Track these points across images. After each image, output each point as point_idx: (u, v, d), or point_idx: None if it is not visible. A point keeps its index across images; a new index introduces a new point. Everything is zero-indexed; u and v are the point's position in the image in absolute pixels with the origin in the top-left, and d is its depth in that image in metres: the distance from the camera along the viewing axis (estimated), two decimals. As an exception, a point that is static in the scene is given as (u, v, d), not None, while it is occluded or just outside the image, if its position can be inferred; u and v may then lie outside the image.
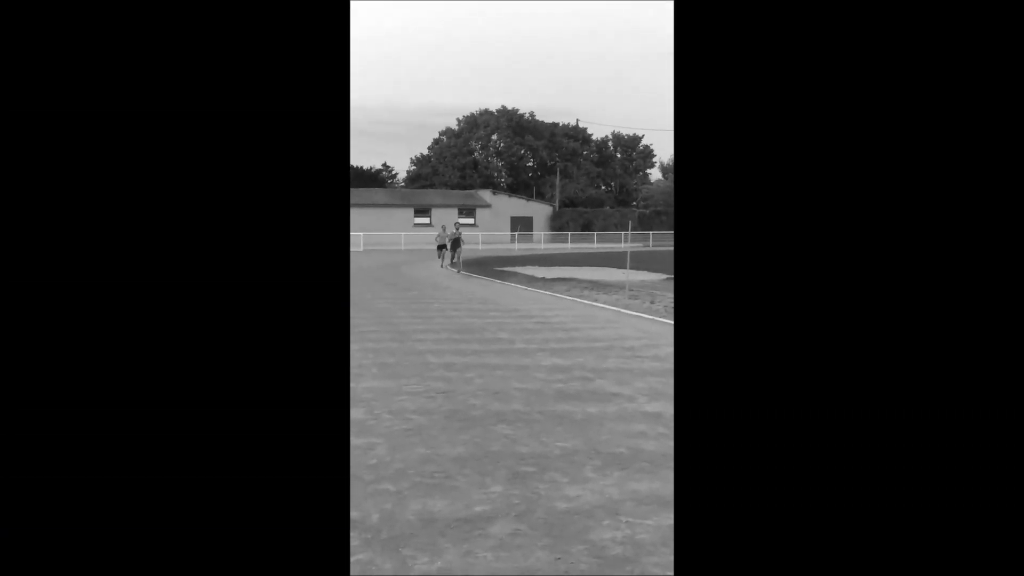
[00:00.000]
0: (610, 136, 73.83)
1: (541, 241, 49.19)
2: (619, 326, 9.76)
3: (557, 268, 23.38)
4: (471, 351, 7.70)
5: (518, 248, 42.34)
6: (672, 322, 9.18)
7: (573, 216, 54.53)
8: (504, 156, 66.76)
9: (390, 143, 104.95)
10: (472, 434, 4.63)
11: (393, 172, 66.78)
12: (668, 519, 3.26)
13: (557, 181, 60.27)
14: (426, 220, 47.31)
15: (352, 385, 5.93)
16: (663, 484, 3.71)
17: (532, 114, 66.38)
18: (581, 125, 67.60)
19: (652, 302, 12.39)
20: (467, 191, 55.57)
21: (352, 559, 2.90)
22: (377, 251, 35.35)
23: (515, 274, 20.10)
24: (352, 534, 3.12)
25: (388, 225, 45.18)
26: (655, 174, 72.48)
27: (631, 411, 5.23)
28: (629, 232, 19.43)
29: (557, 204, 57.30)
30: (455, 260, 20.52)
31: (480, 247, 37.53)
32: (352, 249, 34.23)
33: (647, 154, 74.80)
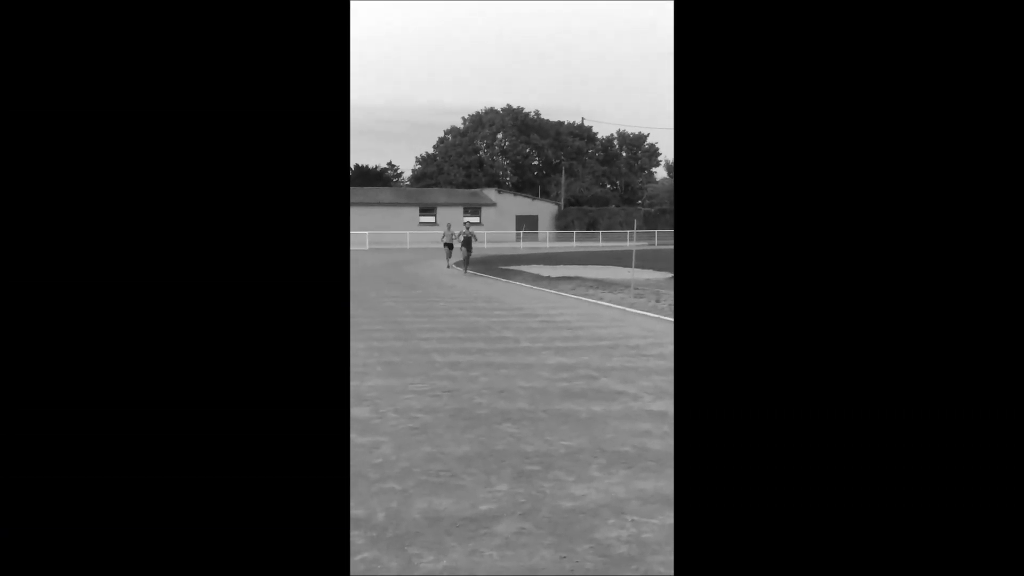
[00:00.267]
0: (615, 134, 73.73)
1: (546, 240, 49.17)
2: (624, 325, 9.75)
3: (562, 267, 23.37)
4: (476, 350, 7.70)
5: (523, 247, 42.36)
6: (677, 320, 9.15)
7: (578, 215, 54.47)
8: (509, 155, 66.69)
9: (395, 142, 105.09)
10: (477, 433, 4.63)
11: (398, 171, 66.90)
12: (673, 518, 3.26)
13: (562, 180, 60.23)
14: (431, 219, 47.29)
15: (357, 384, 5.94)
16: (668, 483, 3.71)
17: (537, 113, 66.42)
18: (587, 123, 67.76)
19: (657, 300, 12.37)
20: (472, 190, 55.55)
21: (358, 557, 2.91)
22: (382, 250, 35.39)
23: (520, 273, 20.09)
24: (358, 532, 3.13)
25: (393, 224, 45.21)
26: (660, 172, 72.30)
27: (636, 410, 5.22)
28: (634, 231, 19.36)
29: (562, 203, 57.24)
30: (466, 259, 20.38)
31: (485, 246, 37.54)
32: (357, 248, 34.51)
33: (653, 152, 74.58)
